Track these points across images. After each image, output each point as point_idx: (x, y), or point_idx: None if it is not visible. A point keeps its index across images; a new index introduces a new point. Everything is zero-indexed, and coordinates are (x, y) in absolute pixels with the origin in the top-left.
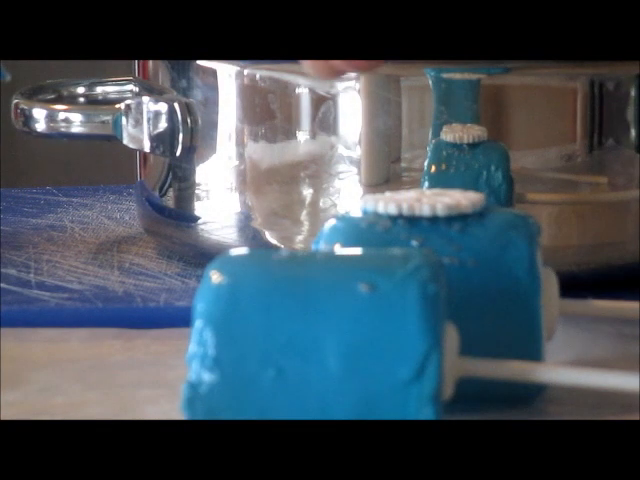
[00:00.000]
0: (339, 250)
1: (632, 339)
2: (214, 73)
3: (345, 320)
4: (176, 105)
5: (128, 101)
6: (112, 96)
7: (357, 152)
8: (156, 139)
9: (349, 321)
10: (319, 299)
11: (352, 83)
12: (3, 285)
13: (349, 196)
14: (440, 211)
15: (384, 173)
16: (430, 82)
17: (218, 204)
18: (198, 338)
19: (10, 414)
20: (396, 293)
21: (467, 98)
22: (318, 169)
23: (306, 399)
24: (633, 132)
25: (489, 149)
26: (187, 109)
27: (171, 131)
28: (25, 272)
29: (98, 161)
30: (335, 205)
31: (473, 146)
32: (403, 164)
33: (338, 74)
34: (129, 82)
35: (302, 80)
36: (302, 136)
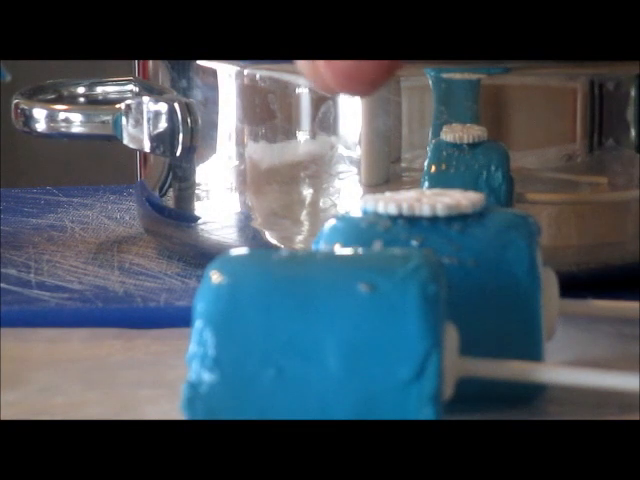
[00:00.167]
0: (339, 250)
1: (632, 339)
2: (214, 73)
3: (345, 320)
4: (176, 105)
5: (128, 101)
6: (112, 96)
7: (357, 152)
8: (156, 139)
9: (349, 321)
10: (319, 299)
11: None
12: (3, 285)
13: (349, 196)
14: (440, 211)
15: (384, 173)
16: (430, 82)
17: (218, 204)
18: (198, 338)
19: (10, 414)
20: (396, 293)
21: (467, 98)
22: (318, 169)
23: (306, 399)
24: (633, 132)
25: (489, 149)
26: (187, 109)
27: (171, 131)
28: (25, 272)
29: (98, 161)
30: (335, 205)
31: (473, 146)
32: (403, 164)
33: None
34: (129, 82)
35: (302, 80)
36: (302, 136)
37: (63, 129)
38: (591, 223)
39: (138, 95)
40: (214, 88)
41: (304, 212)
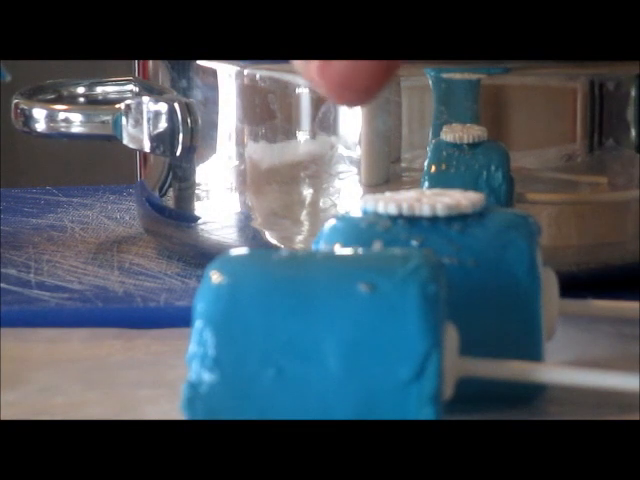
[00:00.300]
0: (339, 250)
1: (632, 339)
2: (214, 73)
3: (345, 320)
4: (176, 105)
5: (128, 101)
6: (112, 96)
7: (357, 152)
8: (156, 139)
9: (349, 321)
10: (319, 299)
11: None
12: (3, 285)
13: (349, 196)
14: (440, 211)
15: (384, 173)
16: (430, 82)
17: (218, 204)
18: (198, 338)
19: (10, 414)
20: (396, 293)
21: (467, 98)
22: (318, 169)
23: (306, 399)
24: (633, 132)
25: (489, 149)
26: (187, 109)
27: (171, 131)
28: (25, 272)
29: (98, 161)
30: (335, 205)
31: (473, 146)
32: (403, 164)
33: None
34: (129, 82)
35: (302, 80)
36: (302, 136)
37: (63, 129)
38: (591, 223)
39: (138, 95)
40: (214, 88)
41: (304, 212)
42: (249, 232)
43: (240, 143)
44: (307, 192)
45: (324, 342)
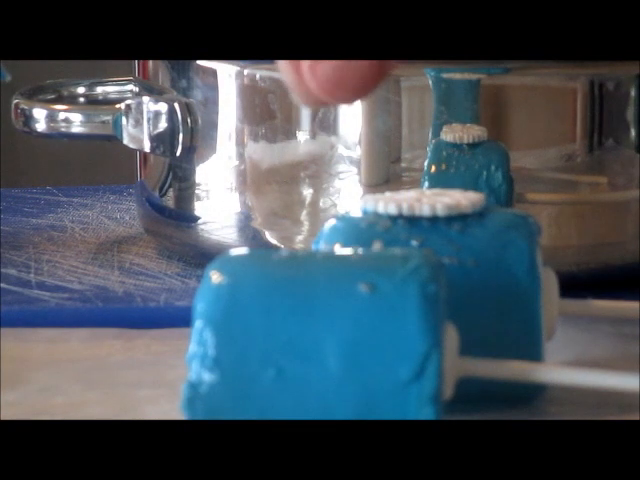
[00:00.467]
0: (339, 250)
1: (632, 339)
2: (214, 73)
3: (345, 320)
4: (176, 105)
5: (128, 101)
6: (112, 96)
7: (357, 152)
8: (156, 139)
9: (349, 321)
10: (319, 299)
11: None
12: (3, 285)
13: (349, 196)
14: (440, 211)
15: (384, 173)
16: (430, 82)
17: (218, 204)
18: (198, 338)
19: (10, 414)
20: (396, 293)
21: (467, 98)
22: (318, 169)
23: (306, 399)
24: (633, 132)
25: (489, 149)
26: (187, 109)
27: (171, 131)
28: (25, 272)
29: (98, 161)
30: (335, 205)
31: (473, 146)
32: (403, 164)
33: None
34: (129, 82)
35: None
36: (302, 136)
37: (63, 129)
38: (591, 223)
39: (138, 95)
40: (214, 88)
41: (304, 212)
42: (249, 232)
43: (240, 143)
44: (307, 192)
45: (324, 342)
